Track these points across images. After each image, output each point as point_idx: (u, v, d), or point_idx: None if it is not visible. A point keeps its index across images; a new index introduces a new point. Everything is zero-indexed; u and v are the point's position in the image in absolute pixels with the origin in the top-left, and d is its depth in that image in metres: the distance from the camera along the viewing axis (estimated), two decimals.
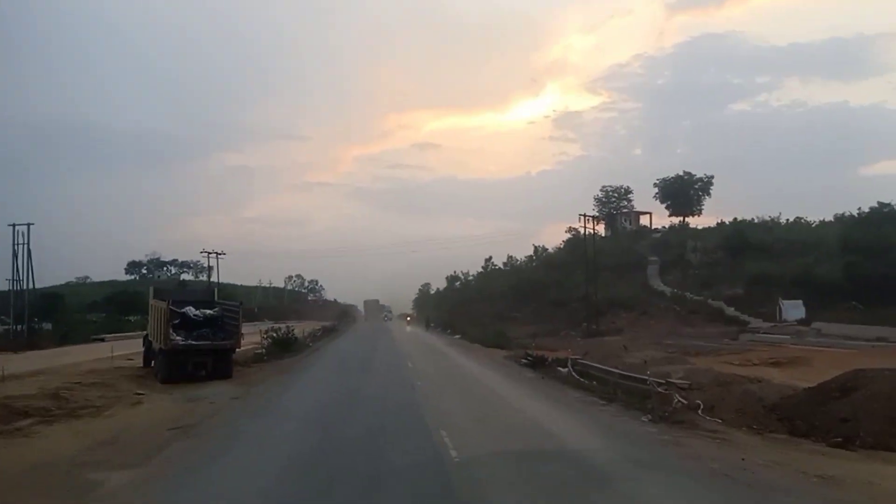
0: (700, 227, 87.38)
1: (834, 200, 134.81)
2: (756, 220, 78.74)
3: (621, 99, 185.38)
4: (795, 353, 31.10)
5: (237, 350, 23.99)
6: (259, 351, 30.12)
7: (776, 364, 27.43)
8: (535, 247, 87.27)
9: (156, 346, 22.20)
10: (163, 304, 22.42)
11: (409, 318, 53.93)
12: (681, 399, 14.85)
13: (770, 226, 74.42)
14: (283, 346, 32.76)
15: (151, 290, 26.74)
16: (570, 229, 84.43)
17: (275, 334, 33.54)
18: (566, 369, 19.62)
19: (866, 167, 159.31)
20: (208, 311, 23.44)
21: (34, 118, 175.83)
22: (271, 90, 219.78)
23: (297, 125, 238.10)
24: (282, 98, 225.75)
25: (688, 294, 60.13)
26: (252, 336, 32.88)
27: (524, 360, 25.62)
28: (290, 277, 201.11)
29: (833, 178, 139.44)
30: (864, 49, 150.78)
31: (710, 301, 57.36)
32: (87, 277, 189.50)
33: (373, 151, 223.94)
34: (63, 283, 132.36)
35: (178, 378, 20.60)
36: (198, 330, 22.34)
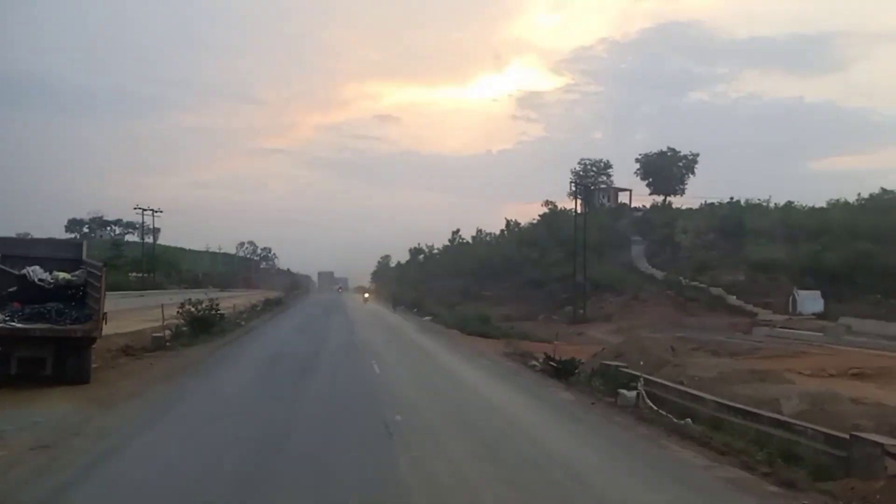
0: (684, 208, 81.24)
1: (783, 191, 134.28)
2: (744, 203, 73.02)
3: (584, 82, 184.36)
4: (865, 361, 24.32)
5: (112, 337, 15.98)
6: (160, 335, 21.94)
7: (859, 376, 20.63)
8: (507, 220, 79.98)
9: None
10: None
11: (367, 294, 46.61)
12: None
13: (764, 209, 68.39)
14: (202, 327, 24.63)
15: None
16: (546, 203, 77.49)
17: (193, 309, 25.37)
18: (632, 392, 12.11)
19: (816, 161, 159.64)
20: (63, 276, 15.15)
21: None
22: (228, 49, 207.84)
23: (255, 88, 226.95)
24: (238, 59, 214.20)
25: (682, 279, 53.55)
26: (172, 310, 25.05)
27: (536, 364, 18.16)
28: (241, 244, 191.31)
29: (784, 169, 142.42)
30: (823, 46, 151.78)
31: (709, 288, 50.88)
32: (28, 234, 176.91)
33: (332, 120, 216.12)
34: None
35: None
36: (41, 305, 14.26)
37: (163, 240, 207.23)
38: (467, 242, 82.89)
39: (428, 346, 25.98)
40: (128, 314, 30.83)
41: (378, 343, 25.51)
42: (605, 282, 57.01)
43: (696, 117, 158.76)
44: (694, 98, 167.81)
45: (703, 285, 51.98)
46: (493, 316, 55.01)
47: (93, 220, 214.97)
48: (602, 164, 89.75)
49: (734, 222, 61.80)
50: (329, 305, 59.81)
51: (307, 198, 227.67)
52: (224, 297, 69.58)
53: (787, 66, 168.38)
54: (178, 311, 25.25)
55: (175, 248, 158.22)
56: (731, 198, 69.20)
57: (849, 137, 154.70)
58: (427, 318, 43.51)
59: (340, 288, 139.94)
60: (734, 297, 49.32)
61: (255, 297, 69.04)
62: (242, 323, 32.41)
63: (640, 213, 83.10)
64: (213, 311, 26.04)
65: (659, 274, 57.10)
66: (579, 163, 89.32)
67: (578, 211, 58.86)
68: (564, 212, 77.47)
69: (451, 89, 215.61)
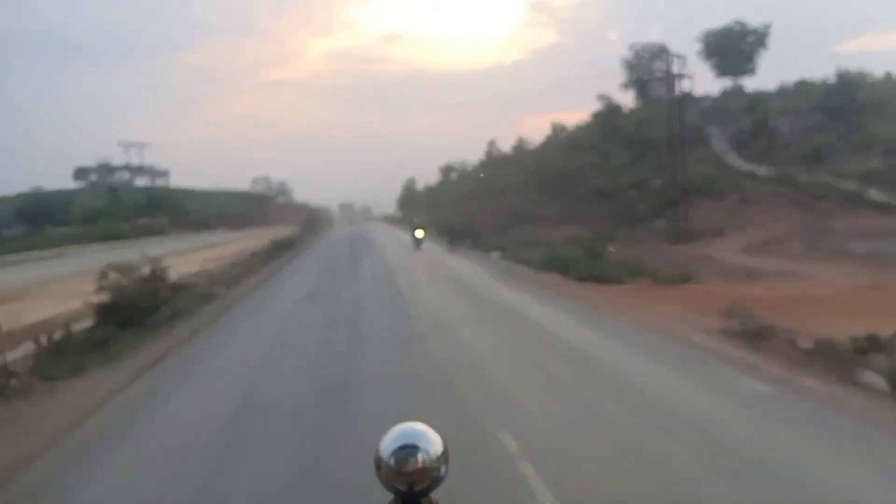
0: (763, 90, 68.15)
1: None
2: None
3: None
4: None
5: None
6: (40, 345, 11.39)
7: None
8: (554, 125, 67.81)
9: None
10: None
11: (419, 230, 37.29)
12: None
13: (875, 81, 55.55)
14: (126, 320, 14.03)
15: None
16: (600, 97, 64.99)
17: (122, 280, 14.76)
18: None
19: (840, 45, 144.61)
20: None
21: None
22: None
23: (256, 19, 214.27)
24: None
25: (796, 173, 41.85)
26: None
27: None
28: (256, 179, 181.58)
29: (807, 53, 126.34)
30: None
31: (837, 181, 39.25)
32: (40, 186, 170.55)
33: (338, 46, 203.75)
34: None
35: None
36: None
37: (174, 182, 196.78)
38: (506, 155, 71.17)
39: (561, 327, 13.05)
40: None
41: (472, 338, 12.27)
42: (693, 184, 45.55)
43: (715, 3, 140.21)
44: None
45: (825, 179, 40.35)
46: (556, 239, 44.44)
47: (100, 167, 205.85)
48: (657, 49, 76.12)
49: (843, 98, 49.44)
50: (355, 246, 45.66)
51: (319, 128, 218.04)
52: (227, 241, 59.76)
53: None
54: (98, 288, 14.74)
55: (181, 190, 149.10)
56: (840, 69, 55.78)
57: None
58: (495, 253, 33.15)
59: (359, 219, 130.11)
60: (873, 189, 37.75)
61: (264, 237, 58.90)
62: (218, 295, 21.69)
63: (708, 102, 70.41)
64: (155, 285, 15.35)
65: (760, 169, 45.31)
66: (630, 48, 75.78)
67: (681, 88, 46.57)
68: (621, 108, 65.30)
69: (457, 1, 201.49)
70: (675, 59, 77.10)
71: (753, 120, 52.98)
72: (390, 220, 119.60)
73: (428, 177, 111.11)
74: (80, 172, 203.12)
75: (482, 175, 68.08)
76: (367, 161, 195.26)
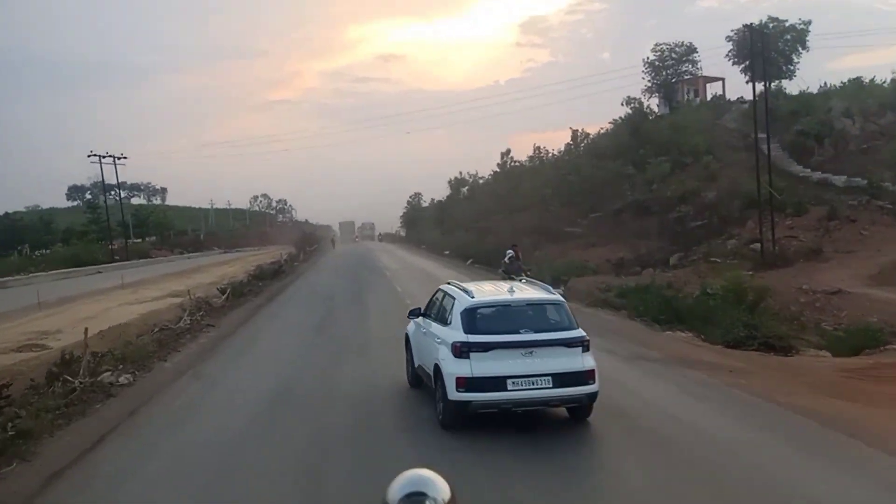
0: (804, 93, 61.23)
1: None
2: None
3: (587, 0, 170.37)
4: None
5: None
6: None
7: None
8: (574, 131, 60.85)
9: None
10: None
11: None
12: None
13: None
14: None
15: None
16: (629, 101, 58.18)
17: None
18: None
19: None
20: None
21: None
22: (221, 5, 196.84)
23: (254, 40, 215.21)
24: (236, 13, 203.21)
25: (887, 184, 34.79)
26: None
27: None
28: (255, 198, 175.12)
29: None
30: None
31: None
32: (36, 205, 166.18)
33: (335, 66, 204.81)
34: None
35: None
36: None
37: (171, 200, 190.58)
38: (521, 165, 64.16)
39: None
40: None
41: None
42: (750, 195, 38.49)
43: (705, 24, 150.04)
44: (702, 6, 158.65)
45: None
46: (596, 262, 37.55)
47: (94, 185, 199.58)
48: (685, 49, 69.41)
49: None
50: (358, 274, 37.01)
51: (318, 147, 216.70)
52: (209, 265, 52.64)
53: None
54: None
55: (174, 208, 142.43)
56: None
57: None
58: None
59: (357, 237, 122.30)
60: None
61: (255, 259, 51.78)
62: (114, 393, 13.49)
63: (745, 105, 63.54)
64: None
65: (838, 179, 38.20)
66: (654, 50, 69.09)
67: (654, 107, 39.80)
68: (648, 113, 58.54)
69: (450, 22, 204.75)
70: (697, 63, 70.48)
71: (815, 122, 45.90)
72: (394, 238, 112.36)
73: (433, 192, 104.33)
74: (74, 191, 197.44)
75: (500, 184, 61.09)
76: (367, 179, 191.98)
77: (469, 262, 39.05)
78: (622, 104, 58.68)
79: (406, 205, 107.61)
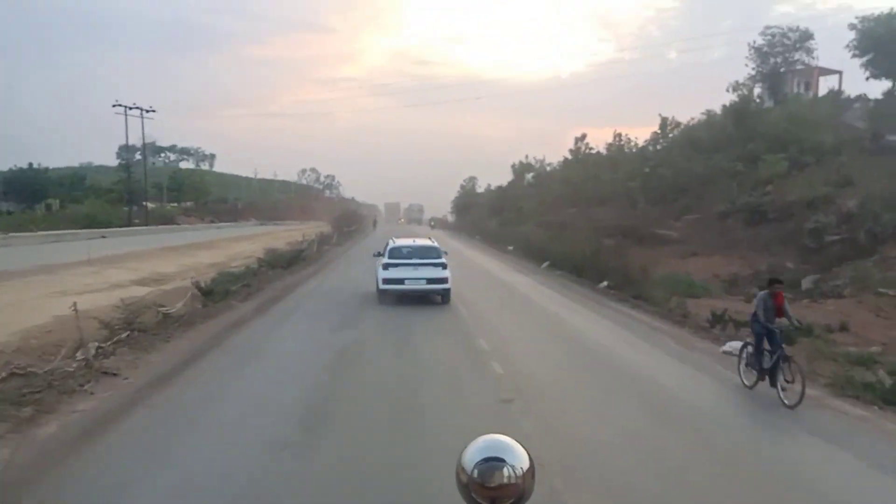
0: None
1: None
2: None
3: None
4: None
5: None
6: None
7: None
8: (664, 118, 52.28)
9: None
10: None
11: None
12: None
13: None
14: None
15: None
16: (735, 87, 49.48)
17: None
18: None
19: None
20: None
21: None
22: None
23: (322, 16, 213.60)
24: None
25: None
26: None
27: None
28: (303, 171, 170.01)
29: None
30: None
31: None
32: (89, 162, 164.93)
33: (400, 46, 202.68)
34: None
35: None
36: None
37: (218, 167, 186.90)
38: (598, 153, 55.87)
39: None
40: None
41: None
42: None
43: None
44: (779, 11, 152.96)
45: None
46: (700, 277, 29.79)
47: (145, 146, 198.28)
48: (799, 34, 59.84)
49: None
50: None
51: (373, 126, 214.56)
52: (234, 238, 46.10)
53: None
54: None
55: (210, 173, 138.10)
56: None
57: None
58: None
59: (401, 219, 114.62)
60: None
61: (287, 235, 45.08)
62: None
63: (871, 102, 53.99)
64: None
65: None
66: (763, 33, 59.74)
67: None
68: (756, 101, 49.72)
69: (518, 9, 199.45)
70: (813, 51, 60.79)
71: None
72: (444, 224, 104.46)
73: (489, 179, 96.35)
74: (124, 150, 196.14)
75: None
76: (419, 161, 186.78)
77: (546, 264, 31.38)
78: (727, 90, 49.92)
79: (459, 189, 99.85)
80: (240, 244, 36.03)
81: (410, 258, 18.44)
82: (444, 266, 18.13)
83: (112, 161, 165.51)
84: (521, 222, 47.07)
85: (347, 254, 39.16)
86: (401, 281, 17.84)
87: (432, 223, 58.18)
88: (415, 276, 17.86)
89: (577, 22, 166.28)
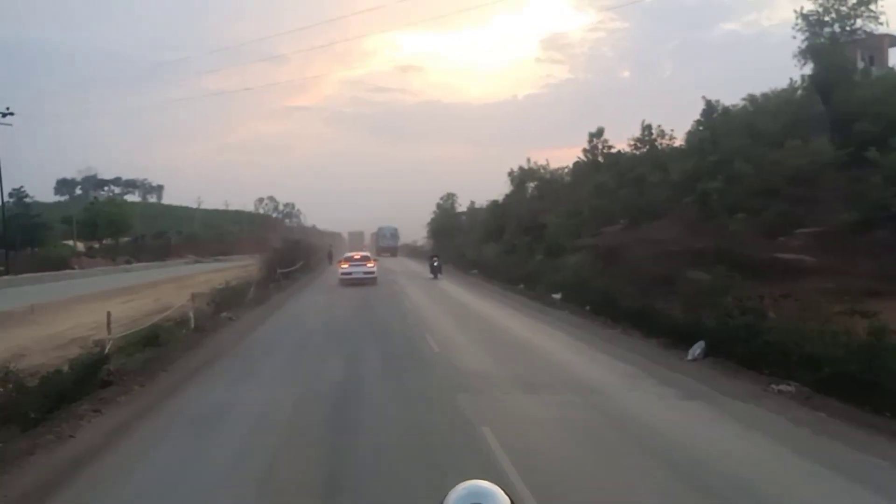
0: None
1: None
2: None
3: (609, 18, 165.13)
4: None
5: None
6: None
7: None
8: (707, 100, 39.40)
9: None
10: None
11: None
12: None
13: None
14: None
15: None
16: (815, 50, 37.00)
17: None
18: None
19: None
20: None
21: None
22: (245, 7, 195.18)
23: (274, 46, 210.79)
24: (257, 17, 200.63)
25: None
26: None
27: None
28: (260, 200, 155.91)
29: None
30: None
31: None
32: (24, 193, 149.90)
33: (355, 74, 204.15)
34: None
35: None
36: None
37: (167, 199, 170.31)
38: (619, 152, 42.82)
39: None
40: None
41: None
42: None
43: (725, 48, 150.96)
44: (724, 28, 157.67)
45: None
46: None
47: (85, 179, 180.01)
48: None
49: None
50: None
51: (333, 155, 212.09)
52: (125, 287, 31.69)
53: None
54: None
55: (153, 205, 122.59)
56: None
57: None
58: None
59: (365, 246, 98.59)
60: None
61: (214, 278, 31.13)
62: None
63: None
64: None
65: None
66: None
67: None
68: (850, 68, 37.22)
69: (471, 34, 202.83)
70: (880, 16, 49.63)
71: None
72: (413, 251, 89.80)
73: (470, 196, 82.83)
74: (63, 184, 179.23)
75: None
76: (382, 189, 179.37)
77: (698, 350, 17.51)
78: (796, 57, 37.36)
79: (435, 209, 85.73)
80: (115, 301, 22.25)
81: (358, 263, 43.50)
82: (372, 268, 43.26)
83: (48, 197, 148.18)
84: (550, 250, 33.56)
85: (256, 331, 21.19)
86: (351, 273, 41.60)
87: (435, 261, 39.96)
88: (360, 271, 41.96)
89: (530, 45, 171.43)
